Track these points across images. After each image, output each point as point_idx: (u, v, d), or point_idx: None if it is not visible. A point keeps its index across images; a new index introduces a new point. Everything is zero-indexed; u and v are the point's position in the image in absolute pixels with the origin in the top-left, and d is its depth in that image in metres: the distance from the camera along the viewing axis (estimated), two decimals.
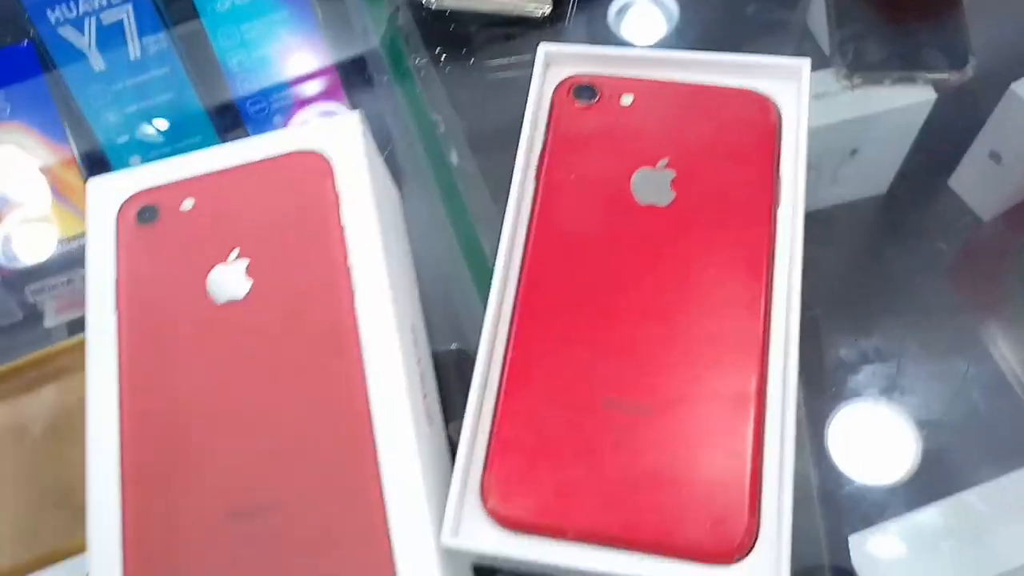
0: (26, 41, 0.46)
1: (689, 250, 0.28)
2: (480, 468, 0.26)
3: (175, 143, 0.48)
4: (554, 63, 0.32)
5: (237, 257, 0.28)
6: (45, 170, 0.47)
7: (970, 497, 0.37)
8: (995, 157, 0.45)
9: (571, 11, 0.41)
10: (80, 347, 0.28)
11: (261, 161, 0.30)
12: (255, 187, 0.29)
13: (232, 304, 0.28)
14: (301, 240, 0.28)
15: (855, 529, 0.36)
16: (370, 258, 0.28)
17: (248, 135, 0.41)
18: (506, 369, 0.27)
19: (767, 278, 0.28)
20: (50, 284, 0.48)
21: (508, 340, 0.28)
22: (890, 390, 0.41)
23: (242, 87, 0.47)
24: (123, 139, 0.47)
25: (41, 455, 0.27)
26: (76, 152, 0.47)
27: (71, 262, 0.47)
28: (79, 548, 0.28)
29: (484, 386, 0.27)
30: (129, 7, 0.46)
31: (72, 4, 0.46)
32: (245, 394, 0.27)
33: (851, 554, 0.36)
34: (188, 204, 0.29)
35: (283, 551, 0.25)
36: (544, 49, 0.31)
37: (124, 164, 0.47)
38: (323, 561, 0.25)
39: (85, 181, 0.47)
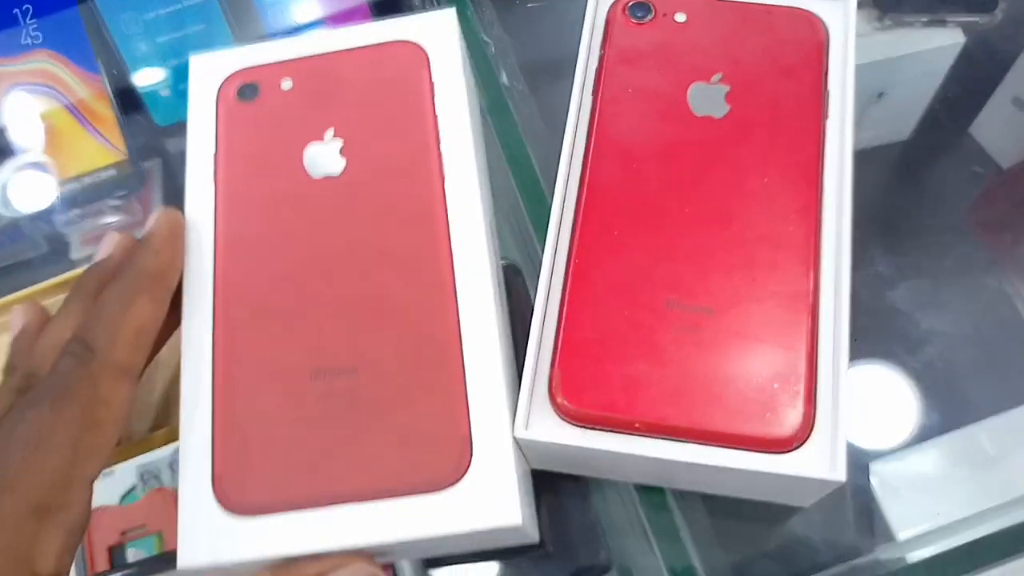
0: None
1: (744, 159, 0.29)
2: (547, 366, 0.27)
3: None
4: None
5: (334, 136, 0.29)
6: (77, 101, 0.47)
7: (986, 427, 0.37)
8: (1018, 103, 0.46)
9: None
10: None
11: (359, 48, 0.30)
12: (353, 72, 0.30)
13: (328, 179, 0.28)
14: (396, 124, 0.29)
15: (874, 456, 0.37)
16: (460, 146, 0.28)
17: None
18: (570, 273, 0.28)
19: (817, 185, 0.28)
20: (77, 215, 0.48)
21: (571, 245, 0.28)
22: (906, 326, 0.42)
23: (273, 21, 0.47)
24: (154, 70, 0.47)
25: None
26: (107, 83, 0.47)
27: (98, 194, 0.47)
28: None
29: (548, 289, 0.28)
30: None
31: None
32: (337, 263, 0.27)
33: (871, 478, 0.37)
34: (287, 84, 0.30)
35: (364, 410, 0.26)
36: None
37: (154, 95, 0.47)
38: (402, 422, 0.25)
39: (115, 112, 0.47)
